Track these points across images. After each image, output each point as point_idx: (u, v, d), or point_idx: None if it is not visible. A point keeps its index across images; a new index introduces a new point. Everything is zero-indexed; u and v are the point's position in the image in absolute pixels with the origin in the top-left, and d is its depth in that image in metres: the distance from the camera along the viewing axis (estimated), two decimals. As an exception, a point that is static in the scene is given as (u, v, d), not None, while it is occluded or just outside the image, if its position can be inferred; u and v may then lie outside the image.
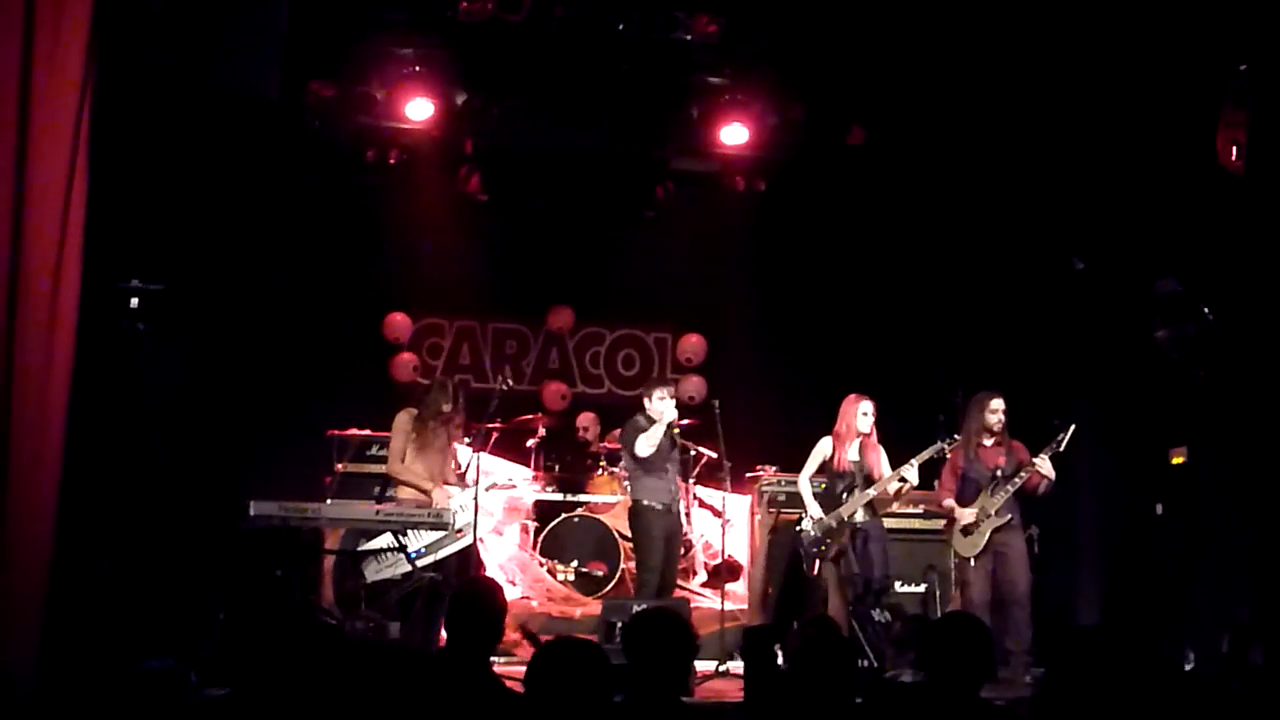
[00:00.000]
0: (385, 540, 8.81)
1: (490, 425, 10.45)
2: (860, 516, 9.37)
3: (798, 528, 9.61)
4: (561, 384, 12.77)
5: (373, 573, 8.88)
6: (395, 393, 11.91)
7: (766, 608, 10.57)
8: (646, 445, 9.50)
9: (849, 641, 5.19)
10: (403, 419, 9.22)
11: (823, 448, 9.58)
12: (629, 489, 9.90)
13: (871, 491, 9.38)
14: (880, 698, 5.30)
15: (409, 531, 8.74)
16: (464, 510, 8.91)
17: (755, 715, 4.88)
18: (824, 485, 9.65)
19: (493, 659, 7.30)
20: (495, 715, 4.59)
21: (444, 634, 8.85)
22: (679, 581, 10.57)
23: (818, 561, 9.43)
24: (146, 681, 7.52)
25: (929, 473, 9.59)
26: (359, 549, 9.01)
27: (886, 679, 8.09)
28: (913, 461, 9.36)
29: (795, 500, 10.05)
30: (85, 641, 7.24)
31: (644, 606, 8.25)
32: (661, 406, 9.55)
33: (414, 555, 8.74)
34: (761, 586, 10.67)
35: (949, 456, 9.45)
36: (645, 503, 9.56)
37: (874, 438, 9.51)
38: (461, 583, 5.30)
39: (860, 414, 9.44)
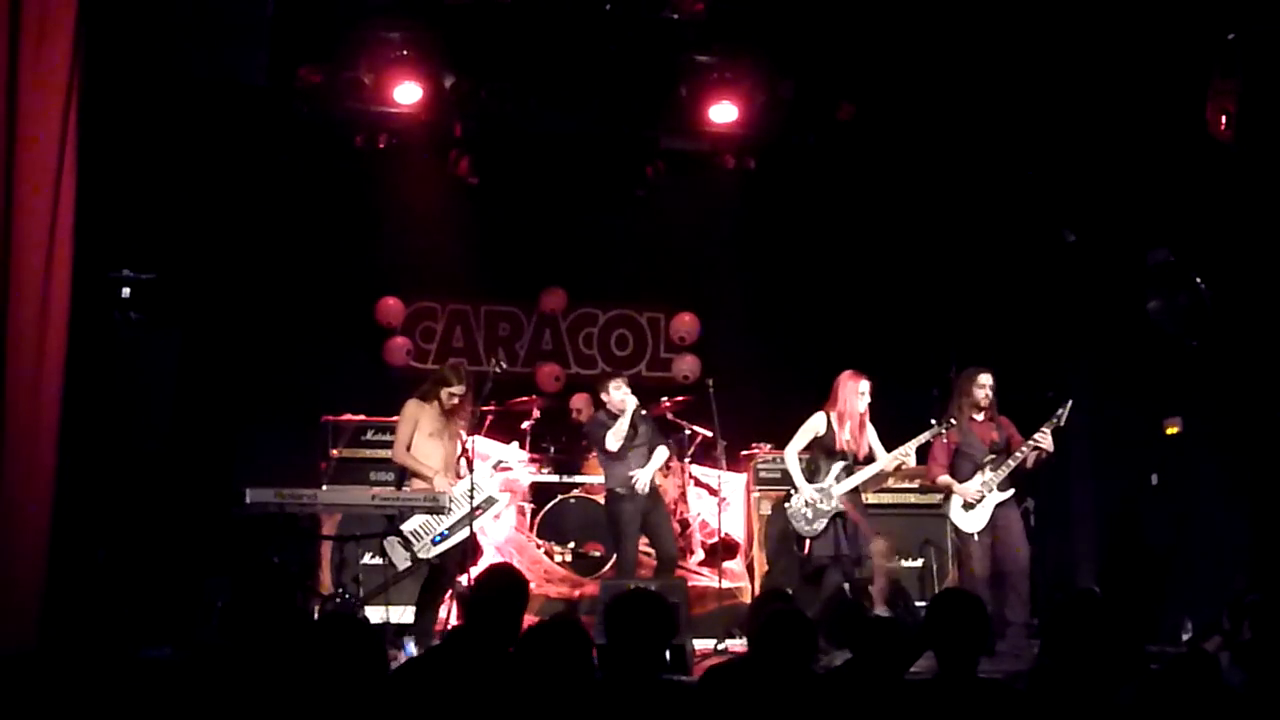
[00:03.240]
0: (412, 524, 8.84)
1: (485, 408, 10.46)
2: (847, 497, 9.37)
3: (786, 504, 9.57)
4: (555, 365, 12.76)
5: (402, 559, 8.90)
6: (389, 377, 11.91)
7: (764, 585, 10.60)
8: (615, 440, 9.68)
9: (807, 622, 5.22)
10: (411, 407, 9.23)
11: (815, 424, 9.50)
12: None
13: (870, 470, 9.38)
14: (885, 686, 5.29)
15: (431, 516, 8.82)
16: (467, 497, 8.91)
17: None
18: (810, 462, 9.62)
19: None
20: (503, 698, 4.62)
21: (446, 617, 8.99)
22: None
23: (808, 541, 9.41)
24: (144, 669, 7.53)
25: (921, 448, 9.59)
26: (385, 534, 9.03)
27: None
28: (910, 445, 9.37)
29: (789, 477, 10.06)
30: (83, 629, 7.26)
31: (651, 588, 8.37)
32: (620, 396, 9.68)
33: (438, 539, 8.81)
34: (759, 564, 10.71)
35: (945, 434, 9.44)
36: (614, 490, 9.77)
37: (867, 416, 9.49)
38: (486, 572, 5.37)
39: (858, 393, 9.42)
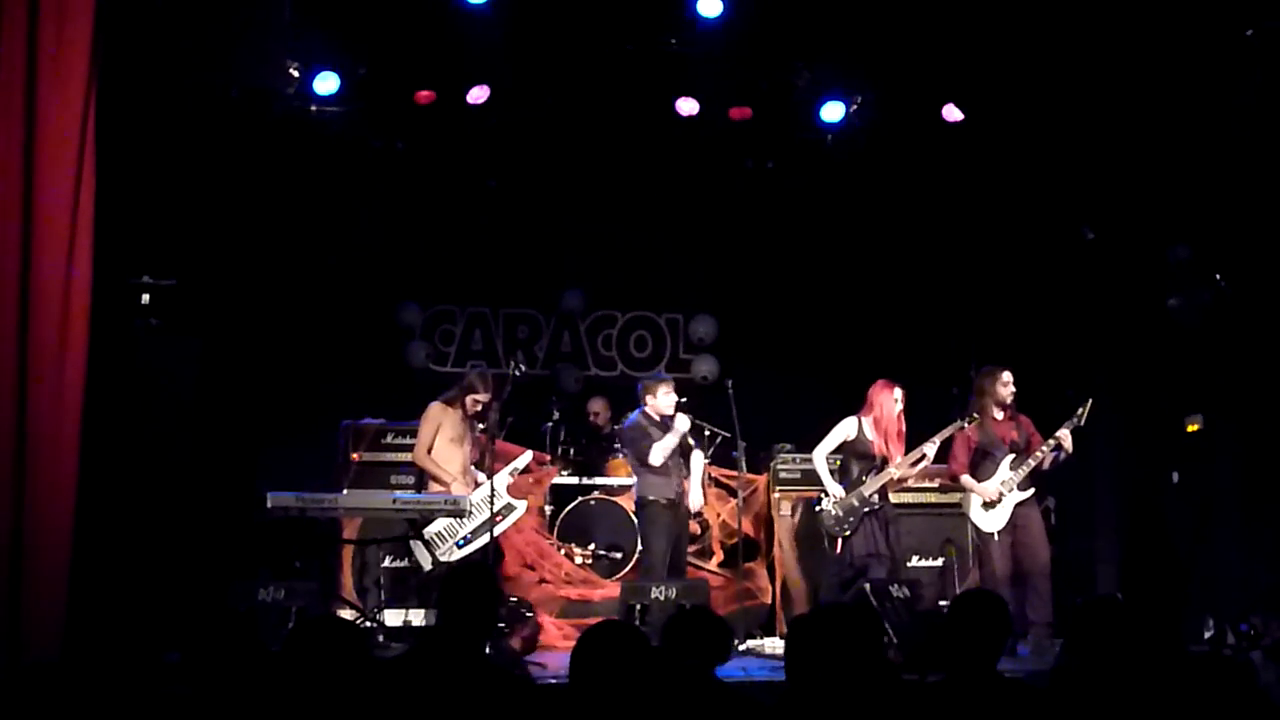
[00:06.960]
0: (436, 527, 8.85)
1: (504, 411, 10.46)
2: (877, 498, 9.41)
3: (817, 507, 9.63)
4: (574, 368, 12.76)
5: (427, 560, 8.90)
6: (409, 381, 11.93)
7: (786, 587, 10.59)
8: (661, 454, 9.51)
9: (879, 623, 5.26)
10: (435, 410, 9.24)
11: (846, 427, 9.58)
12: (635, 486, 9.85)
13: (893, 471, 9.40)
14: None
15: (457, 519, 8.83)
16: (487, 502, 8.90)
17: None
18: (839, 463, 9.70)
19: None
20: (487, 695, 4.62)
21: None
22: (698, 562, 10.60)
23: (840, 541, 9.46)
24: (168, 674, 7.56)
25: (941, 447, 9.59)
26: (407, 538, 9.03)
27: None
28: (934, 440, 9.40)
29: (810, 478, 10.06)
30: (107, 633, 7.28)
31: (672, 590, 8.43)
32: (667, 402, 9.55)
33: (461, 543, 8.82)
34: (781, 566, 10.69)
35: (966, 431, 9.47)
36: (651, 498, 9.59)
37: (901, 425, 9.54)
38: (452, 569, 5.41)
39: (893, 400, 9.52)
